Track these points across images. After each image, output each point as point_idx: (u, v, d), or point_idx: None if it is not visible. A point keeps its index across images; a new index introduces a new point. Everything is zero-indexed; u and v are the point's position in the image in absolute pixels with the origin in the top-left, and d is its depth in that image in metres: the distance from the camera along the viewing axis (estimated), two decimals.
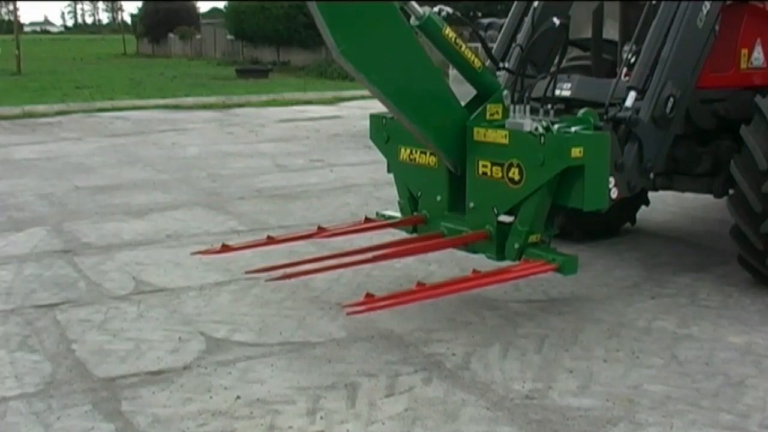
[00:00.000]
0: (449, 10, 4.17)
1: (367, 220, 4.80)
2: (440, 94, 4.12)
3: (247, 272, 4.58)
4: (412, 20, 3.97)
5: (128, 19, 75.39)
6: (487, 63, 5.02)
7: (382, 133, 4.59)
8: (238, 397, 3.44)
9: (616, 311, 4.47)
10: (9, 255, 5.72)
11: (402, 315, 4.21)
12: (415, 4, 3.98)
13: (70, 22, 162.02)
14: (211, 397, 3.45)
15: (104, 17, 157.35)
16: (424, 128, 4.10)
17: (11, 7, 47.34)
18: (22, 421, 3.26)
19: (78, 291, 4.92)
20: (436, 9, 4.08)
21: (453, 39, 4.05)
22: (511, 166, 3.97)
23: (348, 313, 3.57)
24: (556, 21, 4.20)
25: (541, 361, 3.81)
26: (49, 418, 3.28)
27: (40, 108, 15.89)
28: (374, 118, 4.67)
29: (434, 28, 4.00)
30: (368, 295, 3.49)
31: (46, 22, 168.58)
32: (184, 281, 5.06)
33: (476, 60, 4.14)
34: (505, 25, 5.20)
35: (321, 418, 3.26)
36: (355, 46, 3.74)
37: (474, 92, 4.32)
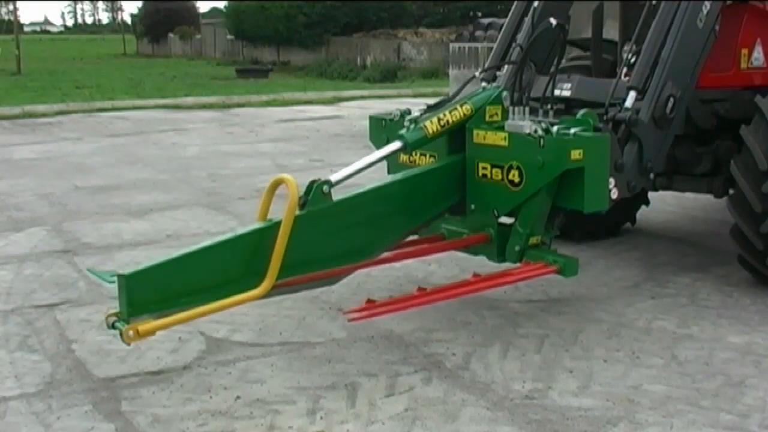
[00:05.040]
0: (422, 107, 4.16)
1: None
2: (413, 190, 4.10)
3: None
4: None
5: (128, 19, 75.51)
6: (488, 62, 5.07)
7: (382, 135, 4.57)
8: (238, 397, 3.44)
9: (616, 311, 4.47)
10: (9, 255, 5.72)
11: (402, 315, 4.20)
12: (386, 149, 4.06)
13: (70, 22, 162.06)
14: (211, 397, 3.45)
15: (104, 17, 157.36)
16: (437, 210, 4.19)
17: (11, 7, 47.34)
18: (22, 421, 3.26)
19: (78, 291, 4.93)
20: (407, 121, 4.11)
21: (438, 127, 4.02)
22: (511, 168, 3.96)
23: (349, 320, 3.59)
24: (553, 22, 4.19)
25: (541, 361, 3.81)
26: (49, 418, 3.28)
27: (40, 108, 15.88)
28: (374, 120, 4.65)
29: (421, 141, 4.01)
30: (369, 301, 3.50)
31: (46, 22, 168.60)
32: None
33: (464, 110, 4.10)
34: (505, 25, 5.20)
35: (321, 418, 3.26)
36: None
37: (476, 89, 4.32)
